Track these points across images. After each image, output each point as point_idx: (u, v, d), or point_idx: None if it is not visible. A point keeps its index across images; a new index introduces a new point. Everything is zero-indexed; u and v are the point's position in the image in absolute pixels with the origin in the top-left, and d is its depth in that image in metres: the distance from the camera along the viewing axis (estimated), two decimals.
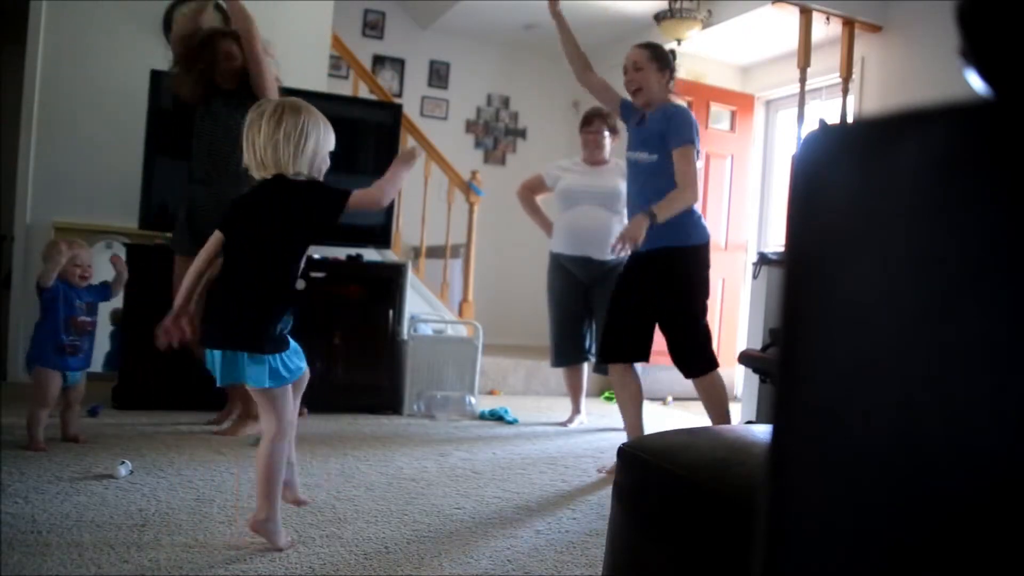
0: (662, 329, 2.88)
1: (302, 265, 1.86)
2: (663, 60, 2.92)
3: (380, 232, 3.99)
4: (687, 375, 2.91)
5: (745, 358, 3.51)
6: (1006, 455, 0.39)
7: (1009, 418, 0.39)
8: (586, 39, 5.97)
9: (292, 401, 1.87)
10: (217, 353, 1.77)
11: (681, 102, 2.97)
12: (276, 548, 1.81)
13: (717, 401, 2.90)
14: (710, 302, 2.97)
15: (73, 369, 2.72)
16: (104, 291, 2.87)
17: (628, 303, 2.86)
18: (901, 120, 0.46)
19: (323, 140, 1.86)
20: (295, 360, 1.85)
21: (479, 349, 4.00)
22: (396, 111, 4.14)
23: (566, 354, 3.83)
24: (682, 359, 2.89)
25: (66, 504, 2.04)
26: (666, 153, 2.80)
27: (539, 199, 3.97)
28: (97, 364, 3.92)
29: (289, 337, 1.85)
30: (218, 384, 1.82)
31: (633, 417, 2.91)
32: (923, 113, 0.45)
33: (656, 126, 2.84)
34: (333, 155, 1.93)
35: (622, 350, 2.87)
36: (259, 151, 1.80)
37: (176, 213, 3.19)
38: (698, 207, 2.95)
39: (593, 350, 3.87)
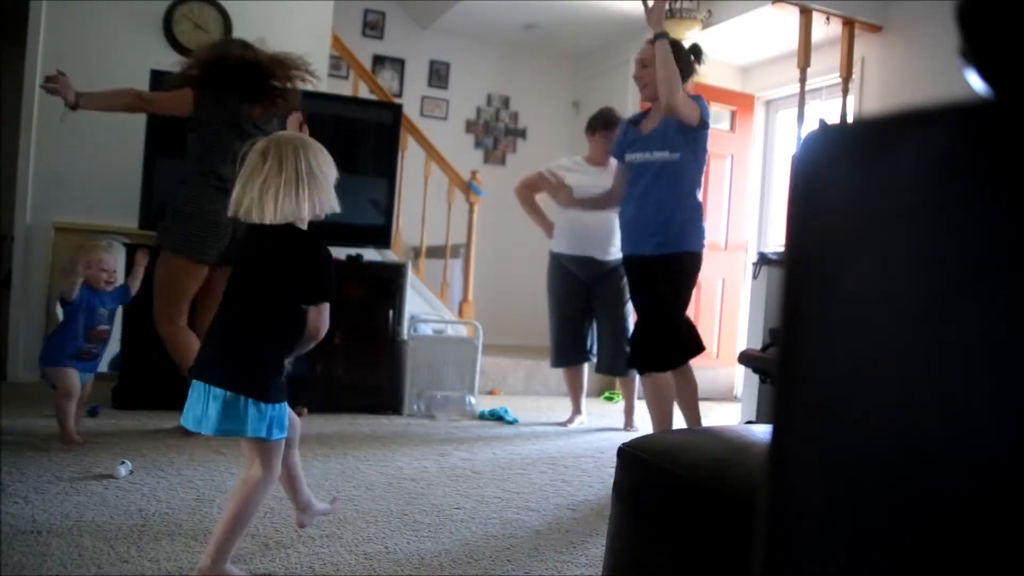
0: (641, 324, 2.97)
1: (302, 331, 1.72)
2: (677, 56, 2.91)
3: (380, 232, 3.99)
4: (642, 369, 3.00)
5: (745, 358, 3.51)
6: (1006, 455, 0.39)
7: (1009, 418, 0.39)
8: (586, 39, 5.93)
9: (281, 453, 1.71)
10: (212, 393, 1.59)
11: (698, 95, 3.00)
12: None
13: (666, 402, 2.99)
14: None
15: (83, 371, 2.76)
16: (124, 293, 2.89)
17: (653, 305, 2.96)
18: (901, 120, 0.46)
19: (327, 180, 1.71)
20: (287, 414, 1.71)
21: (479, 349, 4.00)
22: (396, 111, 4.14)
23: (567, 354, 3.83)
24: (644, 352, 2.96)
25: (66, 504, 2.04)
26: (690, 150, 2.83)
27: (538, 198, 3.96)
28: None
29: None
30: (209, 433, 1.60)
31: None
32: (923, 113, 0.45)
33: (673, 121, 2.84)
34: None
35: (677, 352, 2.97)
36: (255, 195, 1.63)
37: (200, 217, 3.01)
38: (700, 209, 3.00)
39: (594, 350, 3.87)
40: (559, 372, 4.99)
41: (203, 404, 1.59)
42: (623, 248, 3.08)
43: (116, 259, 2.85)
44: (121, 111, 3.02)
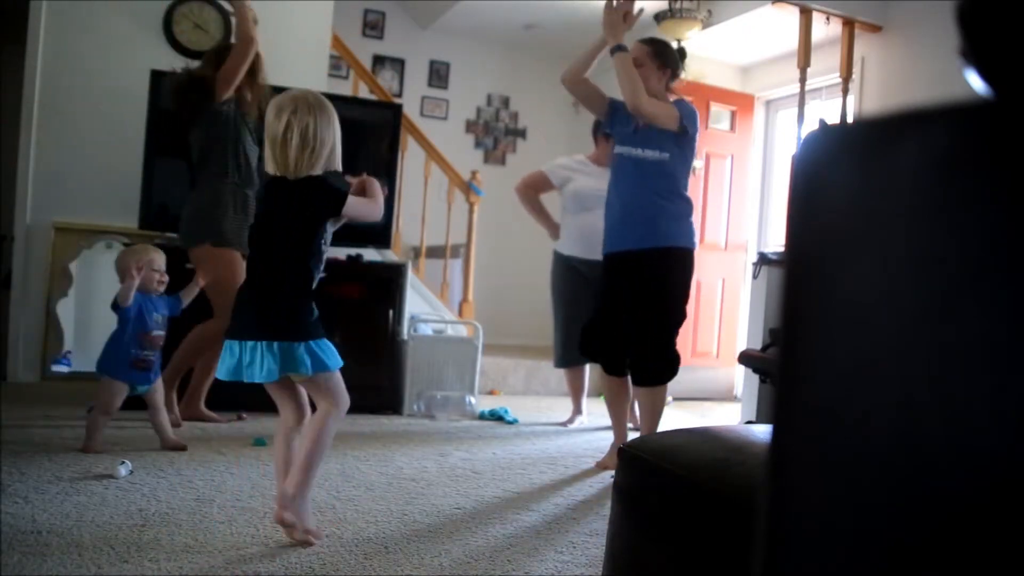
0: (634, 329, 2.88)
1: (322, 259, 1.90)
2: (663, 57, 2.90)
3: (380, 232, 3.99)
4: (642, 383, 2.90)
5: (745, 358, 3.51)
6: (1006, 455, 0.39)
7: (1009, 418, 0.39)
8: (586, 39, 5.98)
9: (342, 382, 1.91)
10: (261, 349, 1.77)
11: (683, 98, 2.95)
12: (304, 539, 1.83)
13: (656, 413, 2.93)
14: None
15: (140, 383, 2.73)
16: (176, 304, 2.88)
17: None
18: (901, 120, 0.46)
19: (337, 138, 1.90)
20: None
21: (479, 349, 4.00)
22: (396, 111, 4.14)
23: (570, 355, 3.82)
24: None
25: (66, 504, 2.04)
26: (679, 151, 2.81)
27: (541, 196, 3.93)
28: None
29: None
30: (269, 379, 1.80)
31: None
32: (923, 113, 0.45)
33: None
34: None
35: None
36: (276, 150, 1.84)
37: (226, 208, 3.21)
38: (697, 209, 2.97)
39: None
40: (559, 372, 4.99)
41: (250, 356, 1.77)
42: (606, 246, 2.94)
43: (164, 258, 2.82)
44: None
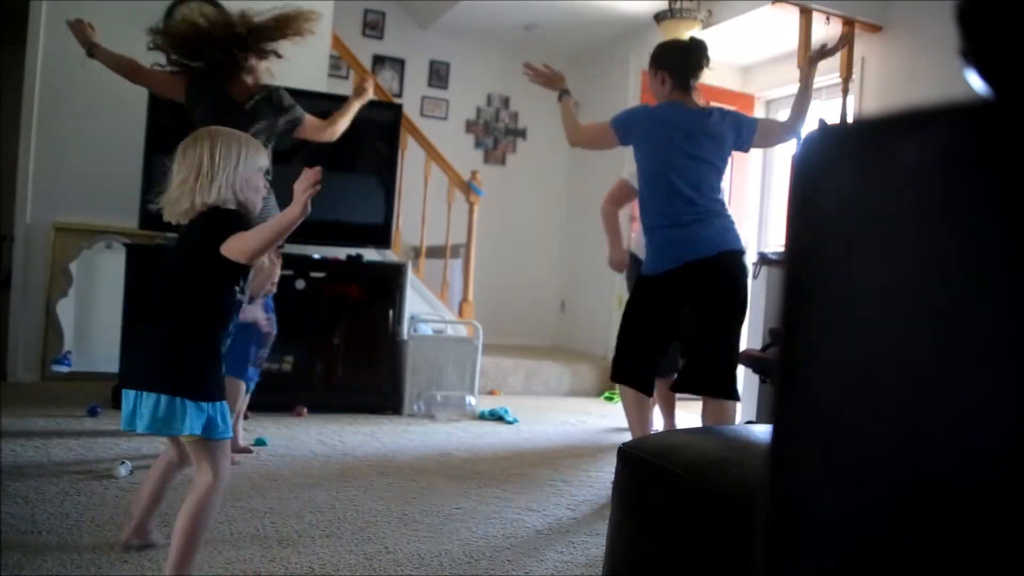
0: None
1: (238, 297, 1.64)
2: (654, 62, 2.88)
3: (380, 232, 3.99)
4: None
5: (745, 358, 3.50)
6: (1006, 455, 0.39)
7: (1009, 418, 0.39)
8: (586, 39, 5.93)
9: (229, 453, 1.66)
10: (144, 398, 1.53)
11: (673, 99, 2.79)
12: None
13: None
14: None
15: (254, 381, 2.74)
16: (269, 302, 2.81)
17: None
18: (901, 120, 0.46)
19: (233, 167, 1.64)
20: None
21: (479, 349, 4.00)
22: (396, 111, 4.14)
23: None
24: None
25: (66, 504, 2.04)
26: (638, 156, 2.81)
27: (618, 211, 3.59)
28: (98, 364, 3.93)
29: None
30: (143, 432, 1.56)
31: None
32: (923, 113, 0.45)
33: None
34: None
35: None
36: (172, 194, 1.64)
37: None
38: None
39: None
40: (559, 372, 5.01)
41: (135, 406, 1.54)
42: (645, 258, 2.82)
43: None
44: (122, 75, 2.95)
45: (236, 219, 1.62)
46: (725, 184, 3.32)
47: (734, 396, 2.66)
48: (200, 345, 1.58)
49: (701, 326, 2.63)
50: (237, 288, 1.62)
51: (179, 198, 1.62)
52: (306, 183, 1.52)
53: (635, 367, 2.70)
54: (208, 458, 1.57)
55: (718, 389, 2.62)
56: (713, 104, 2.94)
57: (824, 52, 2.72)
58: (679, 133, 2.68)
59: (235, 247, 1.55)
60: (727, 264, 2.65)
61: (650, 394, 2.71)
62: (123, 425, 1.56)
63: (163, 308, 1.62)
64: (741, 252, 2.72)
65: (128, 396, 1.56)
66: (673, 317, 2.67)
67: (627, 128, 2.81)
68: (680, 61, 2.83)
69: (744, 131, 2.75)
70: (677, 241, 2.65)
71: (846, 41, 2.81)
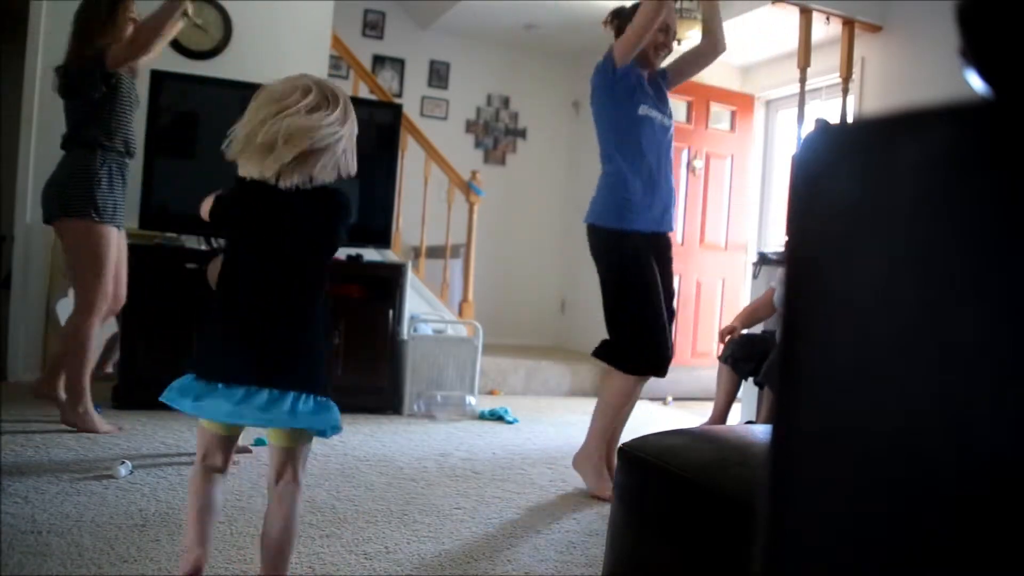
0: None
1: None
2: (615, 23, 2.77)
3: (380, 232, 3.99)
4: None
5: (733, 361, 3.52)
6: (1006, 455, 0.39)
7: (1009, 418, 0.39)
8: (586, 39, 5.93)
9: None
10: (257, 395, 1.38)
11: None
12: None
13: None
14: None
15: None
16: None
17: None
18: (901, 120, 0.46)
19: (354, 133, 1.54)
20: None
21: (479, 349, 4.00)
22: (396, 111, 4.14)
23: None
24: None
25: (66, 504, 2.04)
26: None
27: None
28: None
29: None
30: (260, 424, 1.43)
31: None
32: (923, 113, 0.45)
33: (665, 89, 2.75)
34: None
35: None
36: (280, 146, 1.38)
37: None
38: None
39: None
40: (559, 372, 5.00)
41: (239, 400, 1.38)
42: (660, 223, 2.66)
43: None
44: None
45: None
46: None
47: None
48: (321, 338, 1.48)
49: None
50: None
51: (327, 170, 1.45)
52: None
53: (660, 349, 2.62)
54: (301, 463, 1.47)
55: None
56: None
57: None
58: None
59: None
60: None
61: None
62: (209, 415, 1.42)
63: (277, 294, 1.45)
64: (590, 226, 2.66)
65: (232, 392, 1.38)
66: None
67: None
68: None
69: (598, 65, 2.68)
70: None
71: None
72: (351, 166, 1.54)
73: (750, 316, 3.62)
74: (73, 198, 2.82)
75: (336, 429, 1.46)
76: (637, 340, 2.58)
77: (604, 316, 2.66)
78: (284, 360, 1.42)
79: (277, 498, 1.47)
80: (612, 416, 2.64)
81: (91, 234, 2.83)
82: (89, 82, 2.82)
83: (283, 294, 1.46)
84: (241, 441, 2.76)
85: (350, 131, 1.50)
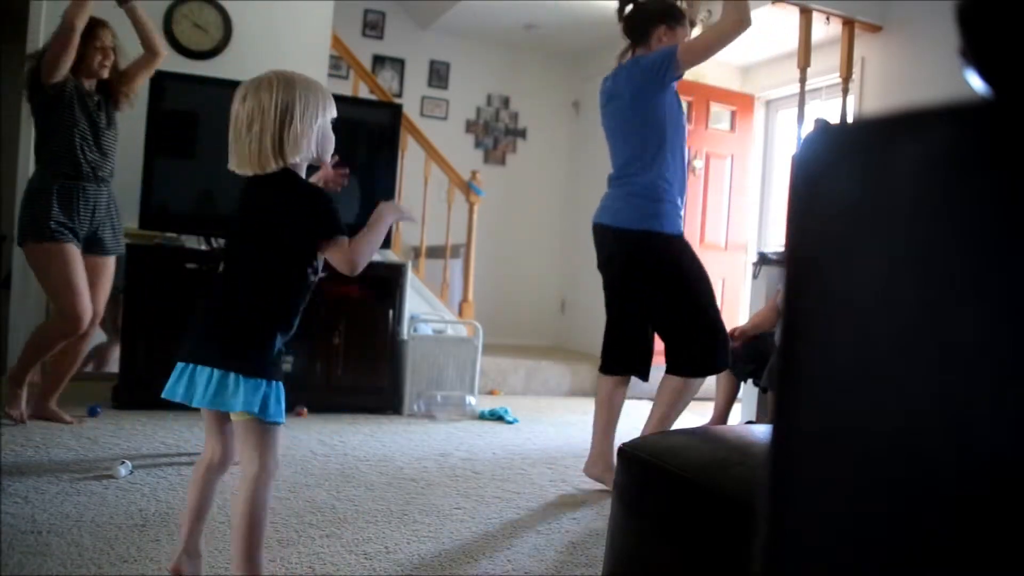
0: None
1: (311, 280, 1.55)
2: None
3: None
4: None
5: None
6: (1006, 455, 0.39)
7: (1009, 418, 0.39)
8: (586, 39, 5.93)
9: (278, 443, 1.52)
10: (199, 372, 1.44)
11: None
12: None
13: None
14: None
15: None
16: None
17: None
18: (901, 120, 0.46)
19: (314, 117, 1.51)
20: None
21: (479, 349, 4.00)
22: (396, 111, 4.14)
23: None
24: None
25: (66, 504, 2.04)
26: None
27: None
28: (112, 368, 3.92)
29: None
30: (198, 405, 1.45)
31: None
32: (923, 113, 0.45)
33: None
34: (334, 155, 1.73)
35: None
36: (241, 143, 1.48)
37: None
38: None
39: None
40: (559, 372, 5.01)
41: (188, 380, 1.45)
42: (675, 224, 2.66)
43: None
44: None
45: (336, 215, 1.51)
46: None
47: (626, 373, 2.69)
48: (263, 320, 1.48)
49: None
50: (310, 269, 1.53)
51: (258, 151, 1.47)
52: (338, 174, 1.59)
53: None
54: (256, 444, 1.45)
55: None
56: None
57: None
58: (604, 100, 2.72)
59: (341, 259, 1.49)
60: (603, 236, 2.67)
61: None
62: (164, 393, 1.47)
63: (227, 279, 1.53)
64: (617, 229, 2.59)
65: (181, 369, 1.46)
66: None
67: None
68: (669, 17, 2.70)
69: (648, 66, 2.55)
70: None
71: None
72: (309, 149, 1.52)
73: (755, 329, 3.58)
74: (23, 221, 2.91)
75: (264, 413, 1.43)
76: (720, 334, 2.61)
77: (667, 324, 2.60)
78: (211, 337, 1.47)
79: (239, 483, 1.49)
80: (616, 414, 2.69)
81: (39, 255, 2.89)
82: (29, 94, 2.94)
83: (230, 279, 1.54)
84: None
85: (300, 113, 1.48)
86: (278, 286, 1.50)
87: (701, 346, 2.57)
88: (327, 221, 1.50)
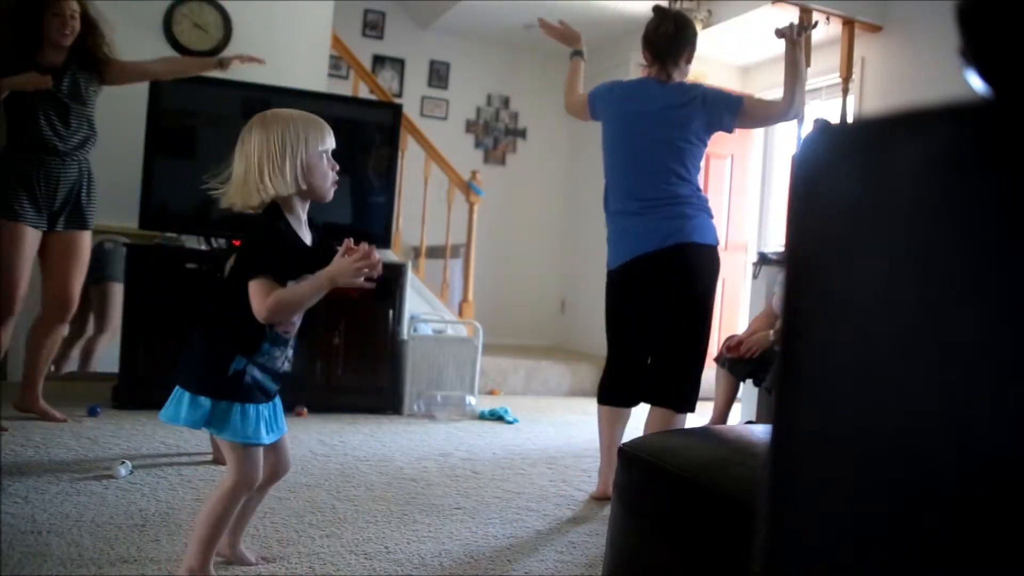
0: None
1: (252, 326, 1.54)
2: (642, 39, 2.77)
3: (380, 232, 3.98)
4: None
5: (726, 360, 3.52)
6: (1006, 455, 0.39)
7: (1009, 418, 0.39)
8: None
9: (259, 462, 1.58)
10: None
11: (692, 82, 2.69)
12: None
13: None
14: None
15: None
16: None
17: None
18: (901, 120, 0.46)
19: (293, 152, 1.54)
20: (263, 424, 1.56)
21: (479, 349, 4.00)
22: (396, 111, 4.14)
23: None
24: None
25: (66, 504, 2.04)
26: None
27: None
28: (98, 364, 3.92)
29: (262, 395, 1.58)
30: (181, 424, 1.53)
31: None
32: (923, 113, 0.45)
33: None
34: (334, 155, 1.70)
35: None
36: (233, 183, 1.56)
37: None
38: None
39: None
40: (559, 372, 5.01)
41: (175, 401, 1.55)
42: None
43: None
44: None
45: (266, 257, 1.52)
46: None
47: (679, 407, 2.47)
48: (216, 342, 1.56)
49: (652, 327, 2.47)
50: None
51: (242, 189, 1.54)
52: (361, 260, 1.56)
53: (610, 380, 2.52)
54: (232, 459, 1.55)
55: (659, 397, 2.48)
56: (699, 81, 2.68)
57: (791, 30, 2.53)
58: (643, 111, 2.48)
59: (253, 302, 1.49)
60: (678, 258, 2.38)
61: (628, 405, 2.52)
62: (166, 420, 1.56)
63: (204, 304, 1.71)
64: (701, 245, 2.42)
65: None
66: (634, 316, 2.50)
67: (594, 101, 2.67)
68: (652, 36, 2.65)
69: (722, 109, 2.48)
70: (628, 232, 2.45)
71: (805, 28, 2.68)
72: (291, 183, 1.55)
73: (757, 345, 3.55)
74: None
75: (222, 432, 1.53)
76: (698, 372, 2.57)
77: (682, 351, 2.50)
78: (182, 357, 1.59)
79: None
80: (619, 437, 2.51)
81: None
82: None
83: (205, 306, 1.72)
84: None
85: (276, 150, 1.53)
86: (233, 311, 1.54)
87: (694, 385, 2.55)
88: (251, 260, 1.53)
